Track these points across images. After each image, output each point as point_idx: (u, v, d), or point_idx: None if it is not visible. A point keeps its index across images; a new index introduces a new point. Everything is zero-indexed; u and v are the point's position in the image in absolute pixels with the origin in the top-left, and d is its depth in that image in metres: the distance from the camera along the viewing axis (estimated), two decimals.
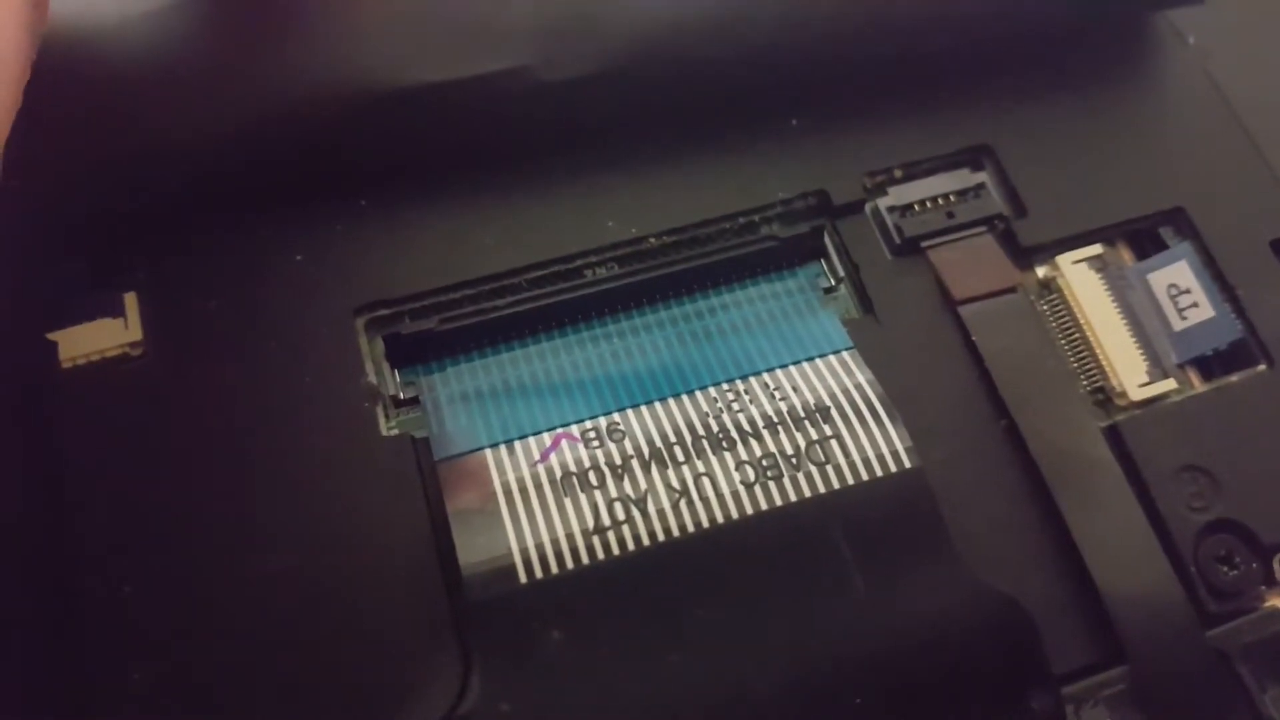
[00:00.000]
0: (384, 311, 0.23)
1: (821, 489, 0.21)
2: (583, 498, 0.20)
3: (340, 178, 0.23)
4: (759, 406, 0.22)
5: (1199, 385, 0.23)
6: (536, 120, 0.24)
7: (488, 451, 0.21)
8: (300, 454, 0.21)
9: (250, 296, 0.22)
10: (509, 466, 0.21)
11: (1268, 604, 0.21)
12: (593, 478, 0.20)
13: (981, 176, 0.25)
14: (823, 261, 0.24)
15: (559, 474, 0.21)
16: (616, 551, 0.20)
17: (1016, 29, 0.26)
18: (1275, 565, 0.22)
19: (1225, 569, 0.22)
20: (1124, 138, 0.25)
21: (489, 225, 0.23)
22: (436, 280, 0.23)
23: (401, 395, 0.22)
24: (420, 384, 0.22)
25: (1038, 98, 0.25)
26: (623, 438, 0.21)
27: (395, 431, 0.22)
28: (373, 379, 0.22)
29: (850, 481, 0.21)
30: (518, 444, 0.21)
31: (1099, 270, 0.24)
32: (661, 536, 0.20)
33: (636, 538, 0.20)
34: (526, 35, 0.23)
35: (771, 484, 0.21)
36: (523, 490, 0.20)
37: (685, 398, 0.22)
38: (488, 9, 0.23)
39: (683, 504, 0.20)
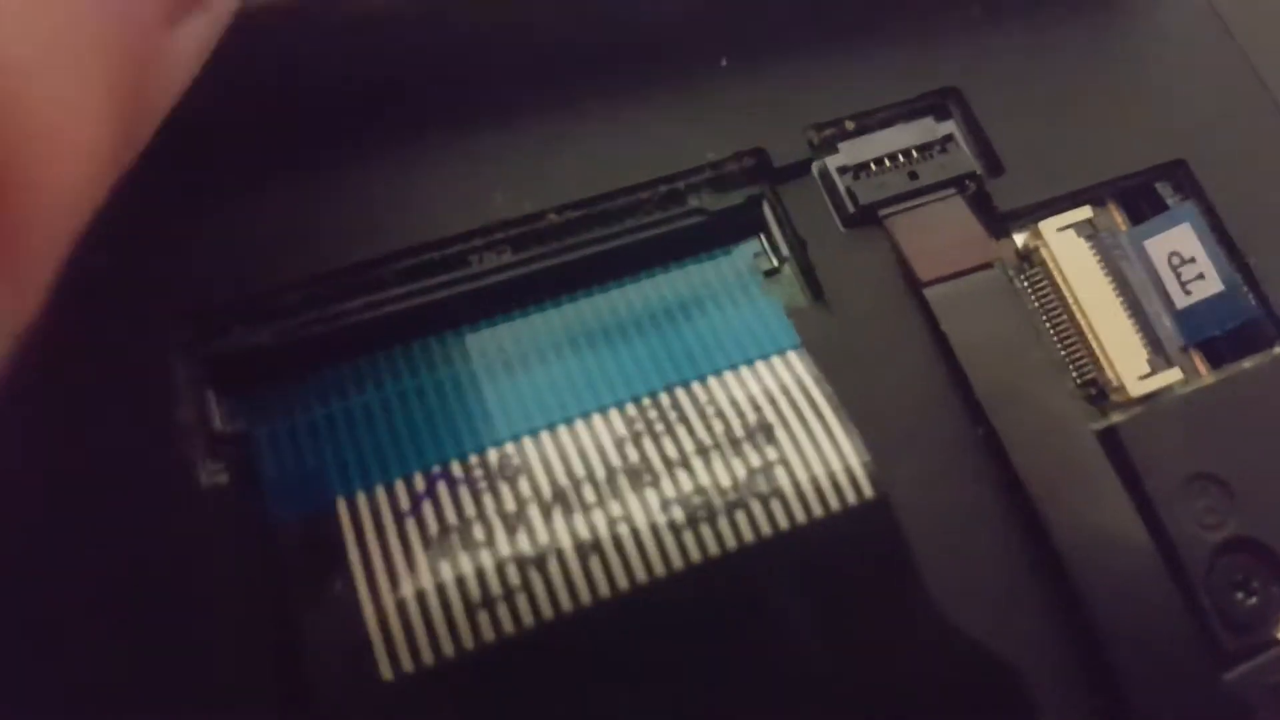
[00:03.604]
0: (206, 321, 0.18)
1: (766, 531, 0.17)
2: (465, 560, 0.16)
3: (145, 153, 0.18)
4: (688, 427, 0.18)
5: (1207, 373, 0.20)
6: (396, 64, 0.19)
7: (341, 504, 0.17)
8: (97, 517, 0.17)
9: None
10: (369, 523, 0.17)
11: None
12: (478, 532, 0.17)
13: (949, 126, 0.21)
14: (762, 237, 0.20)
15: (435, 530, 0.17)
16: (510, 630, 0.16)
17: None
18: None
19: (1242, 596, 0.18)
20: (1113, 77, 0.22)
21: (338, 202, 0.19)
22: (271, 277, 0.18)
23: (227, 431, 0.18)
24: (252, 415, 0.18)
25: (1011, 30, 0.21)
26: (517, 476, 0.17)
27: (219, 480, 0.17)
28: (190, 410, 0.17)
29: (800, 519, 0.17)
30: (380, 491, 0.17)
31: (1088, 238, 0.20)
32: (568, 606, 0.16)
33: (536, 610, 0.16)
34: None
35: (705, 528, 0.17)
36: (387, 555, 0.16)
37: (597, 419, 0.18)
38: None
39: (594, 561, 0.16)
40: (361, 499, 0.17)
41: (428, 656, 0.16)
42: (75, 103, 0.10)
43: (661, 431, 0.18)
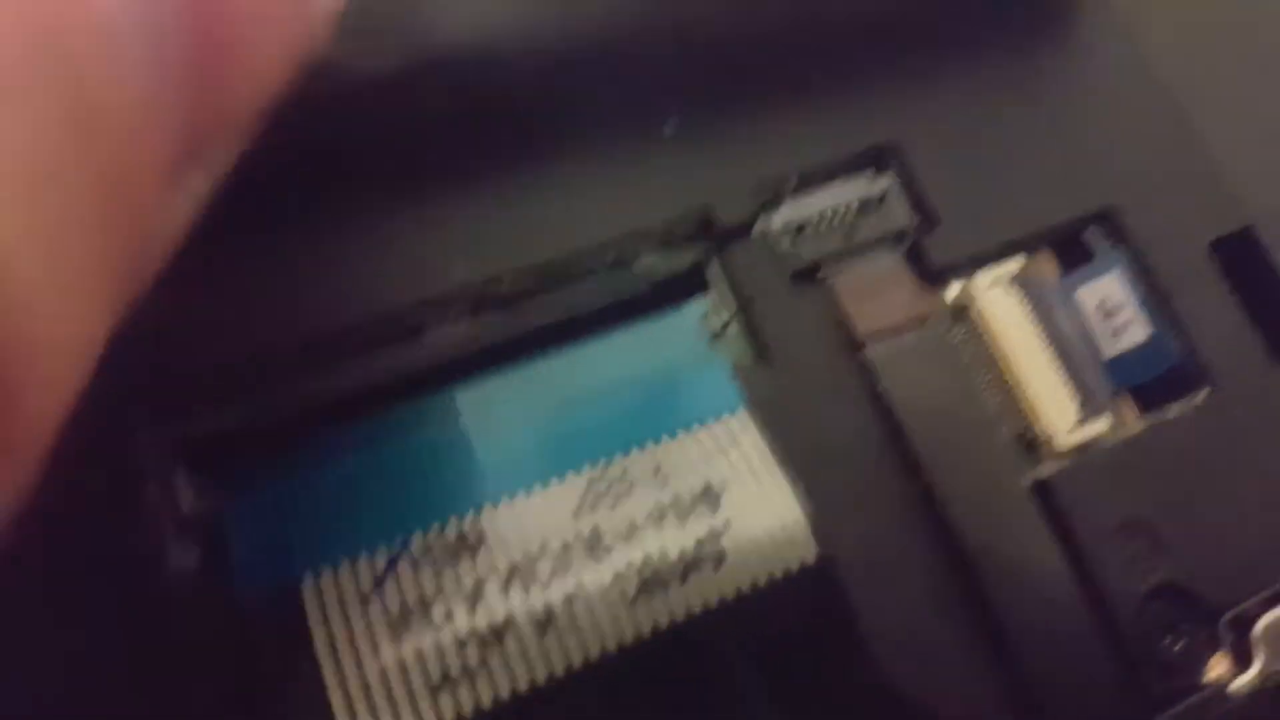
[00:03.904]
0: (168, 400, 0.18)
1: (716, 598, 0.18)
2: (426, 639, 0.17)
3: None
4: (639, 495, 0.18)
5: (1135, 419, 0.21)
6: (349, 135, 0.19)
7: (307, 583, 0.17)
8: (63, 601, 0.17)
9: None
10: (334, 603, 0.17)
11: (1212, 675, 0.19)
12: (437, 612, 0.17)
13: (886, 182, 0.21)
14: (708, 297, 0.21)
15: (396, 609, 0.17)
16: (467, 711, 0.16)
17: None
18: (1220, 628, 0.20)
19: (1170, 640, 0.19)
20: (1045, 125, 0.22)
21: (294, 275, 0.19)
22: (232, 352, 0.18)
23: (194, 511, 0.18)
24: (217, 494, 0.18)
25: (946, 82, 0.22)
26: (476, 550, 0.18)
27: (188, 561, 0.18)
28: (157, 491, 0.18)
29: (749, 585, 0.18)
30: (344, 569, 0.17)
31: (1020, 289, 0.21)
32: (524, 684, 0.17)
33: (493, 689, 0.17)
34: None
35: (657, 598, 0.17)
36: (351, 636, 0.17)
37: (553, 486, 0.18)
38: None
39: (550, 636, 0.17)
40: (326, 579, 0.17)
41: None
42: (69, 288, 0.10)
43: (613, 501, 0.18)
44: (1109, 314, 0.21)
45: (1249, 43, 0.23)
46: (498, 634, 0.17)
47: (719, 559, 0.18)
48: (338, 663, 0.17)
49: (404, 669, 0.17)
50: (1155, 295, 0.21)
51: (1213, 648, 0.20)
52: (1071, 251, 0.22)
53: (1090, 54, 0.23)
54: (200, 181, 0.14)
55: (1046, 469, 0.20)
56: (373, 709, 0.16)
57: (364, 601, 0.17)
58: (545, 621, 0.17)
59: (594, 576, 0.18)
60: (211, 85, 0.12)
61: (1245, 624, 0.19)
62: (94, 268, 0.11)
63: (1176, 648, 0.19)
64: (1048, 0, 0.23)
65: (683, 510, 0.18)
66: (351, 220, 0.19)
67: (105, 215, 0.11)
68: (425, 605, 0.17)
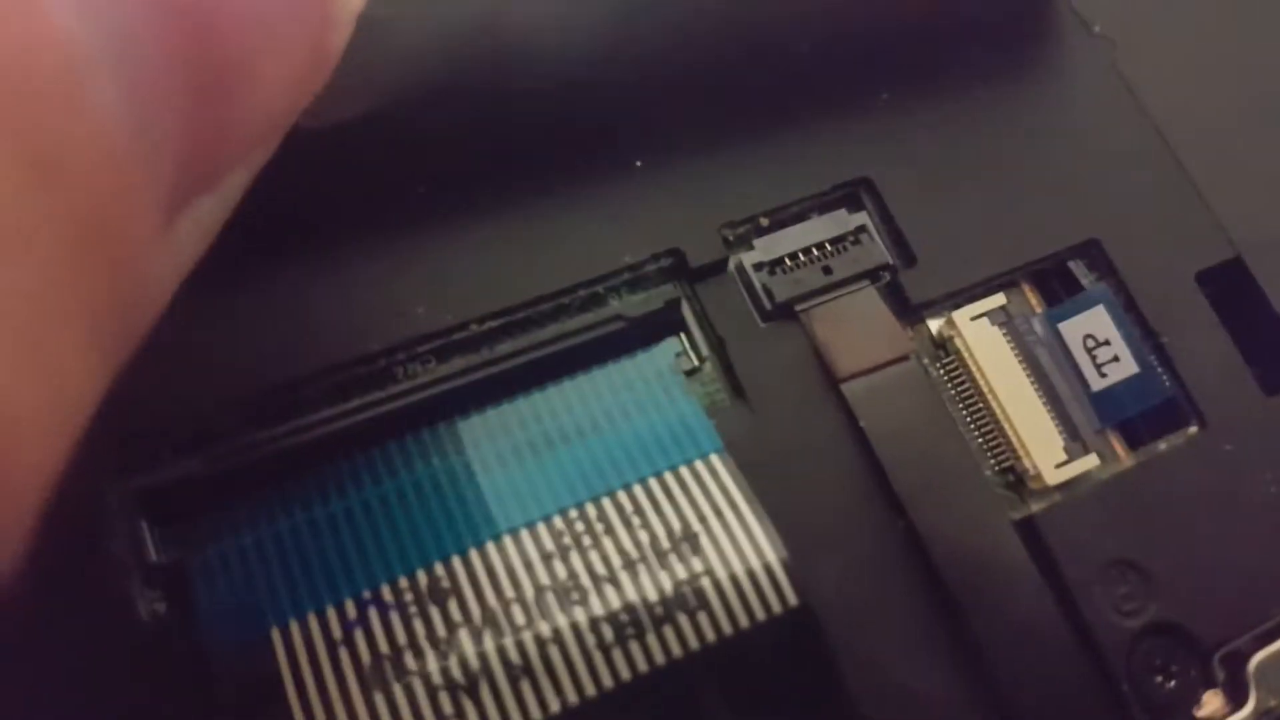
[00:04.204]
0: (134, 450, 0.18)
1: (694, 645, 0.17)
2: (398, 690, 0.17)
3: None
4: (614, 540, 0.18)
5: (1124, 455, 0.21)
6: (307, 177, 0.19)
7: (276, 634, 0.17)
8: (33, 654, 0.17)
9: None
10: (303, 653, 0.17)
11: (1204, 713, 0.19)
12: (410, 660, 0.17)
13: (861, 218, 0.21)
14: (682, 336, 0.21)
15: (367, 659, 0.17)
16: None
17: (891, 28, 0.22)
18: (1215, 664, 0.19)
19: (1161, 680, 0.19)
20: (1024, 157, 0.22)
21: (260, 321, 0.19)
22: (196, 403, 0.18)
23: (162, 561, 0.18)
24: (185, 543, 0.18)
25: (920, 116, 0.22)
26: (447, 598, 0.17)
27: (157, 610, 0.18)
28: (124, 542, 0.18)
29: (727, 631, 0.17)
30: (313, 619, 0.17)
31: (1002, 324, 0.21)
32: None
33: None
34: None
35: (634, 644, 0.17)
36: (322, 686, 0.17)
37: (525, 533, 0.18)
38: None
39: (525, 685, 0.17)
40: (295, 628, 0.17)
41: None
42: (46, 366, 0.09)
43: (588, 545, 0.18)
44: (1095, 348, 0.21)
45: (1233, 72, 0.23)
46: (472, 682, 0.17)
47: (698, 603, 0.17)
48: (309, 713, 0.16)
49: (376, 717, 0.16)
50: (1142, 328, 0.21)
51: (1205, 686, 0.19)
52: (1053, 286, 0.22)
53: (1072, 83, 0.23)
54: (213, 209, 0.12)
55: (1033, 506, 0.20)
56: None
57: (335, 651, 0.17)
58: (520, 669, 0.17)
59: (570, 623, 0.17)
60: (216, 108, 0.11)
61: (1239, 661, 0.19)
62: (73, 338, 0.10)
63: (1169, 686, 0.19)
64: (1027, 29, 0.23)
65: (660, 553, 0.18)
66: (316, 266, 0.19)
67: (84, 272, 0.09)
68: (397, 654, 0.17)
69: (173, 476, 0.18)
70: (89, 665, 0.17)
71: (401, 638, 0.17)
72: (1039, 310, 0.21)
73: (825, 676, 0.18)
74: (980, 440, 0.20)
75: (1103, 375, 0.21)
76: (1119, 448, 0.21)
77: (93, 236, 0.09)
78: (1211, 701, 0.19)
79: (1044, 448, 0.20)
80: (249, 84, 0.11)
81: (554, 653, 0.17)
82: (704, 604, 0.17)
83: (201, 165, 0.12)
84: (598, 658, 0.17)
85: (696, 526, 0.18)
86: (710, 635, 0.17)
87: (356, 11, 0.13)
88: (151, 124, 0.10)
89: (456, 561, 0.18)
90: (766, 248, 0.21)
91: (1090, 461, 0.20)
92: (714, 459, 0.19)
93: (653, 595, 0.17)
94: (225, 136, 0.12)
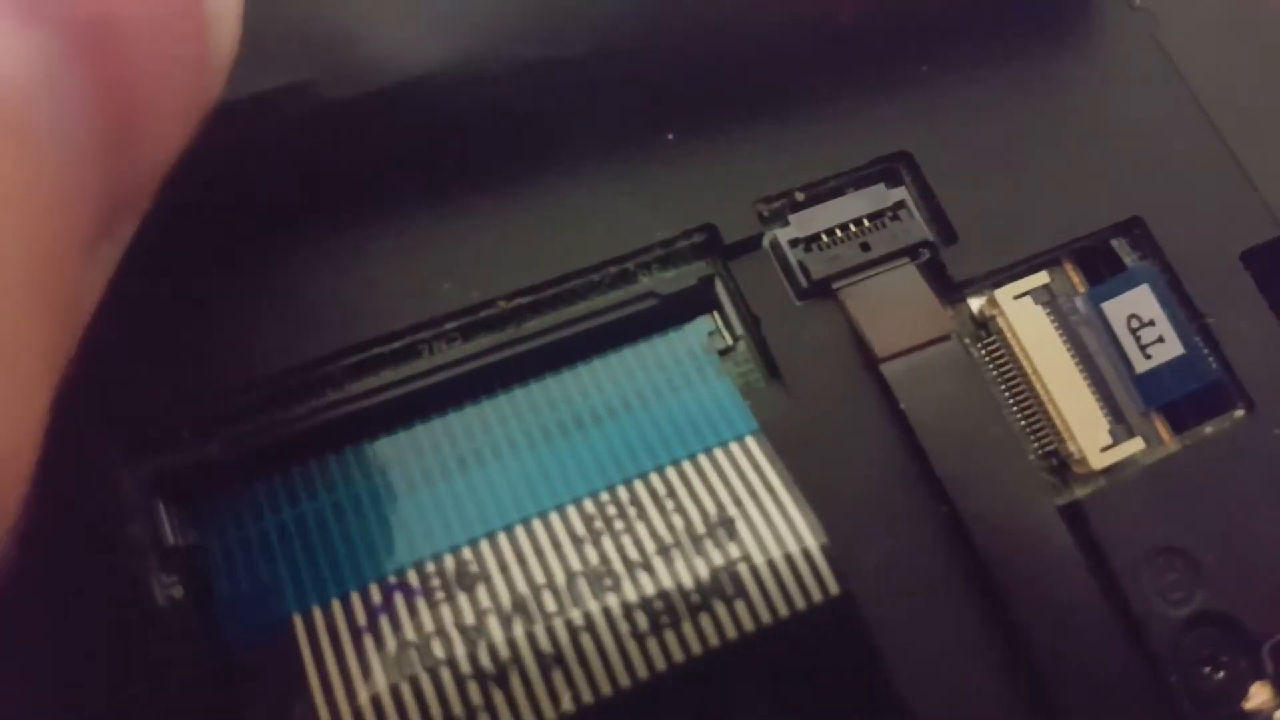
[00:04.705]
0: (152, 431, 0.17)
1: (732, 634, 0.17)
2: (424, 679, 0.16)
3: None
4: (648, 524, 0.18)
5: (1169, 437, 0.20)
6: (329, 153, 0.19)
7: (297, 620, 0.16)
8: (50, 638, 0.16)
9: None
10: (326, 640, 0.16)
11: (1253, 705, 0.19)
12: (438, 648, 0.16)
13: (900, 193, 0.20)
14: (716, 315, 0.20)
15: (393, 647, 0.16)
16: None
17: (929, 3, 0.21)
18: (1265, 655, 0.19)
19: (1209, 670, 0.19)
20: (1067, 133, 0.21)
21: (280, 299, 0.18)
22: (216, 381, 0.18)
23: (179, 544, 0.17)
24: (204, 526, 0.17)
25: (961, 90, 0.21)
26: (475, 584, 0.17)
27: (174, 594, 0.17)
28: (140, 525, 0.17)
29: (766, 620, 0.17)
30: (336, 605, 0.17)
31: (1045, 304, 0.20)
32: None
33: None
34: (305, 44, 0.18)
35: (669, 633, 0.17)
36: (345, 675, 0.16)
37: (554, 517, 0.18)
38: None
39: (556, 675, 0.16)
40: (318, 614, 0.17)
41: None
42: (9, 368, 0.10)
43: (621, 530, 0.17)
44: (1140, 329, 0.20)
45: (1278, 46, 0.23)
46: (502, 671, 0.16)
47: (736, 591, 0.17)
48: (332, 704, 0.16)
49: (402, 710, 0.16)
50: (1187, 308, 0.20)
51: (1254, 677, 0.19)
52: (1096, 264, 0.21)
53: (1112, 57, 0.22)
54: (111, 252, 0.13)
55: (1078, 490, 0.19)
56: None
57: (359, 638, 0.16)
58: (552, 658, 0.16)
59: (602, 609, 0.17)
60: (123, 151, 0.12)
61: None
62: (29, 345, 0.10)
63: (1217, 677, 0.18)
64: (1071, 8, 0.22)
65: (695, 538, 0.17)
66: (337, 242, 0.19)
67: (37, 289, 0.10)
68: (424, 641, 0.16)
69: (191, 457, 0.17)
70: (104, 652, 0.16)
71: (428, 624, 0.16)
72: (1081, 290, 0.21)
73: (867, 666, 0.17)
74: (1023, 423, 0.20)
75: (1147, 356, 0.20)
76: (1163, 431, 0.20)
77: (44, 262, 0.11)
78: (1260, 693, 0.19)
79: (1089, 431, 0.19)
80: (152, 118, 0.12)
81: (586, 641, 0.16)
82: (742, 591, 0.17)
83: (114, 202, 0.12)
84: (632, 647, 0.16)
85: (733, 511, 0.18)
86: (749, 624, 0.17)
87: (230, 54, 0.14)
88: (82, 161, 0.11)
89: (485, 545, 0.17)
90: (802, 223, 0.20)
91: (1135, 445, 0.19)
92: (749, 441, 0.18)
93: (688, 582, 0.17)
94: (134, 171, 0.13)
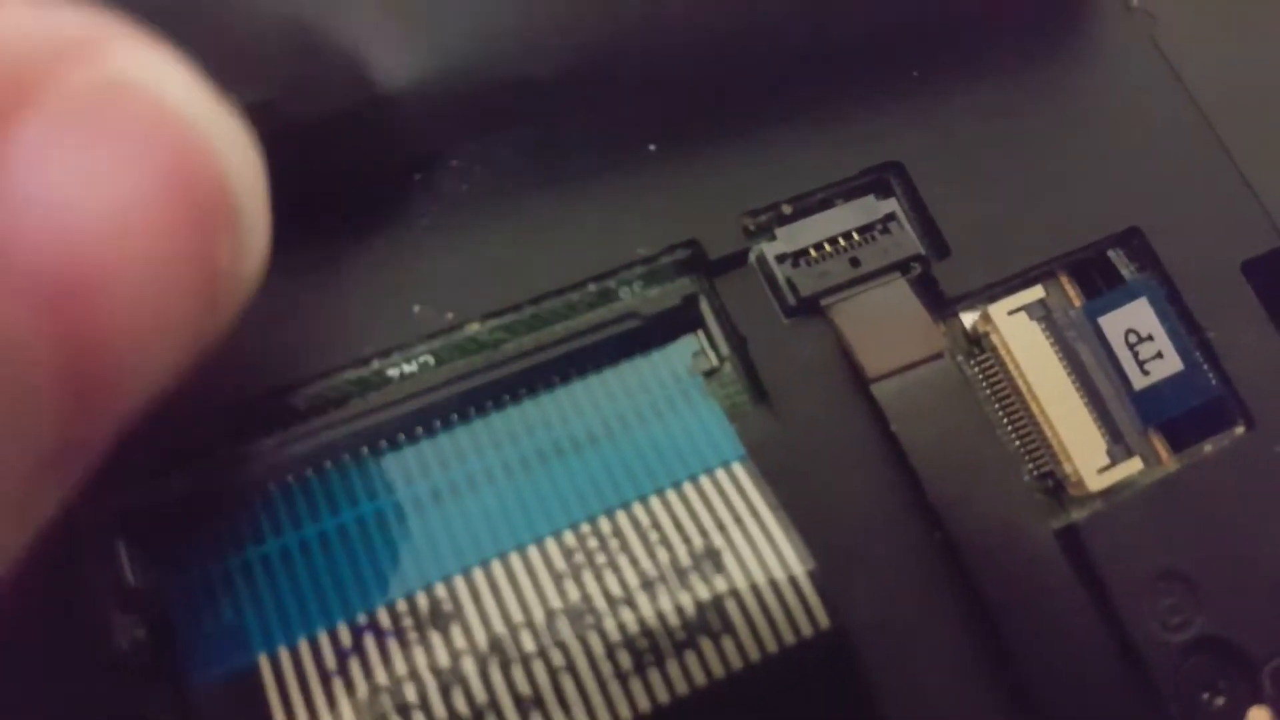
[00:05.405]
0: (111, 468, 0.17)
1: (719, 671, 0.16)
2: None
3: None
4: (631, 556, 0.17)
5: (1167, 458, 0.19)
6: (295, 169, 0.18)
7: (264, 662, 0.16)
8: (11, 677, 0.16)
9: None
10: (294, 683, 0.16)
11: None
12: (410, 691, 0.16)
13: (890, 205, 0.20)
14: (700, 334, 0.19)
15: (364, 690, 0.16)
16: None
17: (922, 4, 0.20)
18: (1265, 678, 0.18)
19: (1209, 696, 0.18)
20: (1062, 142, 0.21)
21: (240, 326, 0.18)
22: (177, 413, 0.17)
23: (140, 585, 0.16)
24: (165, 565, 0.17)
25: (953, 99, 0.21)
26: (449, 623, 0.16)
27: (136, 636, 0.16)
28: (99, 566, 0.16)
29: (754, 657, 0.16)
30: (304, 646, 0.16)
31: (1040, 319, 0.20)
32: None
33: None
34: (273, 63, 0.17)
35: (653, 672, 0.16)
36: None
37: (533, 551, 0.17)
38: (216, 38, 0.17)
39: (535, 718, 0.16)
40: (285, 656, 0.16)
41: None
42: None
43: (603, 563, 0.17)
44: (1138, 344, 0.20)
45: (1278, 54, 0.22)
46: (478, 716, 0.15)
47: (722, 626, 0.16)
48: None
49: None
50: (1186, 322, 0.20)
51: (1253, 700, 0.18)
52: (1092, 276, 0.21)
53: (1109, 61, 0.21)
54: (53, 497, 0.12)
55: (1074, 513, 0.19)
56: None
57: (328, 681, 0.16)
58: (531, 701, 0.16)
59: (583, 649, 0.16)
60: (81, 404, 0.11)
61: None
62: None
63: (1216, 703, 0.18)
64: (1062, 4, 0.22)
65: (680, 572, 0.17)
66: (300, 262, 0.18)
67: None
68: (396, 684, 0.16)
69: (152, 496, 0.17)
70: (63, 697, 0.16)
71: (401, 667, 0.16)
72: (1078, 304, 0.20)
73: (858, 700, 0.17)
74: (1018, 443, 0.19)
75: (1145, 373, 0.19)
76: (1161, 450, 0.20)
77: None
78: (1258, 717, 0.18)
79: (1086, 451, 0.19)
80: (124, 372, 0.11)
81: (567, 682, 0.16)
82: (729, 627, 0.16)
83: (64, 447, 0.11)
84: (614, 687, 0.16)
85: (719, 542, 0.17)
86: (737, 662, 0.16)
87: (248, 291, 0.13)
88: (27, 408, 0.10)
89: (460, 582, 0.17)
90: (790, 238, 0.19)
91: (1134, 465, 0.19)
92: (736, 467, 0.18)
93: (673, 618, 0.16)
94: (92, 422, 0.12)
